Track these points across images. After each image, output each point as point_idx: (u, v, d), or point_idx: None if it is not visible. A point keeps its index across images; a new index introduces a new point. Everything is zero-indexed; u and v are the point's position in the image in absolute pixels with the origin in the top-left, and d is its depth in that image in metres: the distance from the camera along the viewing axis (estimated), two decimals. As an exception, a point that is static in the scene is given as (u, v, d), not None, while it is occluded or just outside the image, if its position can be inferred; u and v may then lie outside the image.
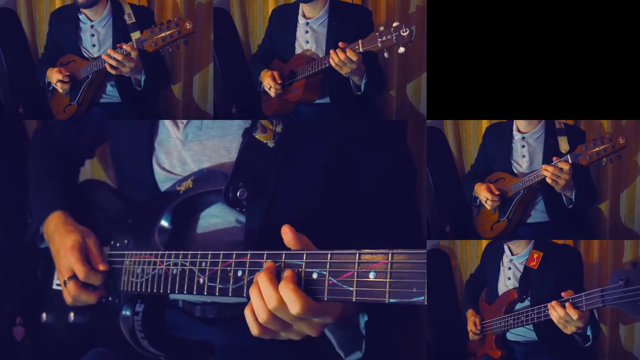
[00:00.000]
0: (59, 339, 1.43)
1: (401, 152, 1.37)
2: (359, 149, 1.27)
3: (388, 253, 0.87)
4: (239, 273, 1.03)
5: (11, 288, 1.59)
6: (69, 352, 1.38)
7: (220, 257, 1.06)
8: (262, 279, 0.95)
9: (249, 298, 1.00)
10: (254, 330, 0.99)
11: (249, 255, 1.02)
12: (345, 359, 1.11)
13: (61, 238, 1.32)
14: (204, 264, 1.09)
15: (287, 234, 1.00)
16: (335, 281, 0.91)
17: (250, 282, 1.01)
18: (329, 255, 0.92)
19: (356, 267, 0.89)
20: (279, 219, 1.21)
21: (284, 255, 0.98)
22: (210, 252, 1.09)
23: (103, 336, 1.32)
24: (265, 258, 1.00)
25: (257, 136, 1.23)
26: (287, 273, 0.95)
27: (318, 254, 0.94)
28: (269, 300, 0.94)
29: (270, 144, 1.23)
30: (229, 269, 1.05)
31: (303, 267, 0.95)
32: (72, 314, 1.38)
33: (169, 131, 1.34)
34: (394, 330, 1.13)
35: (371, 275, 0.87)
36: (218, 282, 1.06)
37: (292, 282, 0.93)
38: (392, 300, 0.85)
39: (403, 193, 1.35)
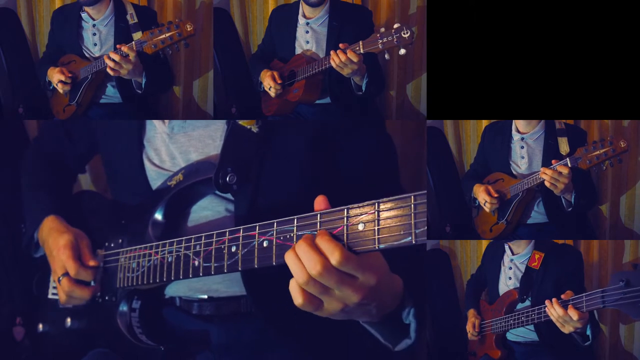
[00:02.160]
0: (57, 345, 1.43)
1: (382, 135, 1.41)
2: (340, 132, 1.31)
3: (375, 203, 0.90)
4: (233, 249, 1.05)
5: (11, 288, 1.59)
6: (68, 356, 1.39)
7: (214, 237, 1.08)
8: (300, 247, 0.93)
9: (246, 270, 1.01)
10: (298, 299, 0.95)
11: (241, 230, 1.04)
12: (394, 349, 1.11)
13: (55, 239, 1.35)
14: (198, 246, 1.11)
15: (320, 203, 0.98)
16: None
17: (245, 255, 1.03)
18: (318, 215, 0.95)
19: (345, 222, 0.92)
20: (266, 202, 1.25)
21: (275, 224, 1.00)
22: (203, 234, 1.11)
23: (101, 335, 1.33)
24: (257, 230, 1.01)
25: (240, 122, 1.27)
26: (320, 231, 0.94)
27: (307, 217, 0.96)
28: (311, 266, 0.92)
29: (254, 129, 1.27)
30: (222, 246, 1.06)
31: (294, 231, 0.97)
32: (69, 320, 1.39)
33: (155, 127, 1.37)
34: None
35: (360, 227, 0.90)
36: (213, 261, 1.08)
37: (326, 234, 0.92)
38: (381, 246, 0.88)
39: (387, 174, 1.38)
